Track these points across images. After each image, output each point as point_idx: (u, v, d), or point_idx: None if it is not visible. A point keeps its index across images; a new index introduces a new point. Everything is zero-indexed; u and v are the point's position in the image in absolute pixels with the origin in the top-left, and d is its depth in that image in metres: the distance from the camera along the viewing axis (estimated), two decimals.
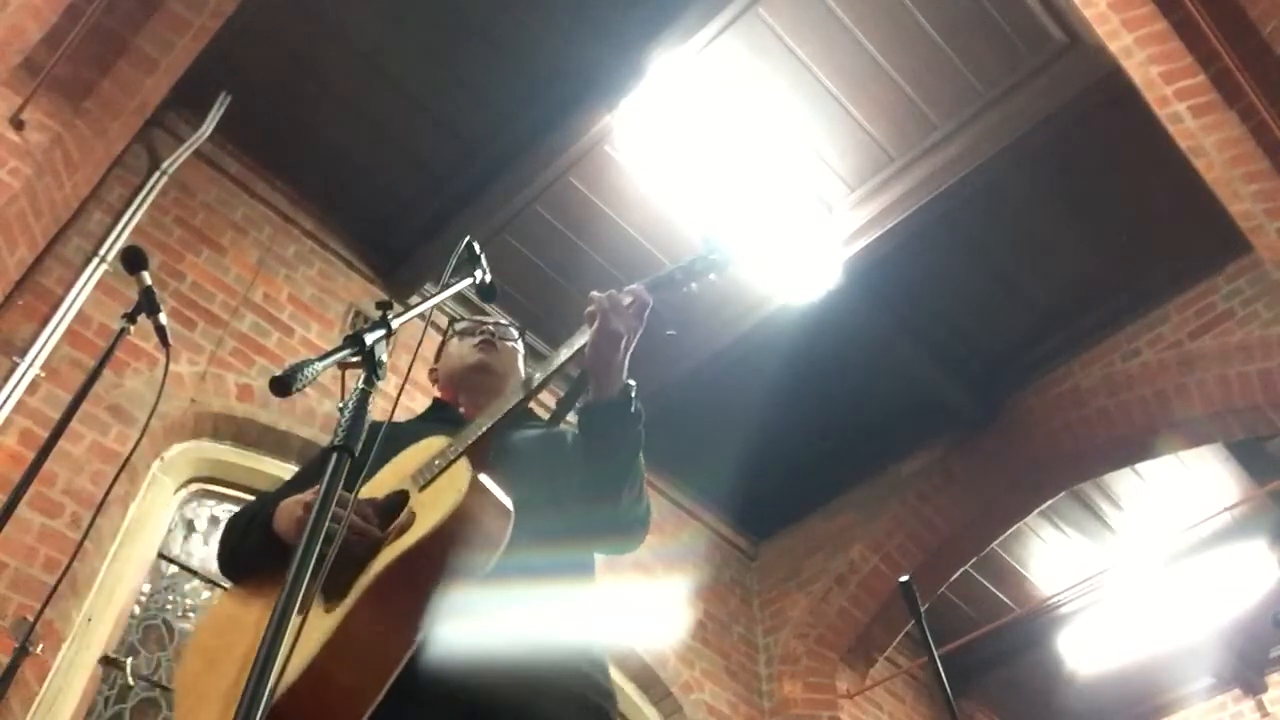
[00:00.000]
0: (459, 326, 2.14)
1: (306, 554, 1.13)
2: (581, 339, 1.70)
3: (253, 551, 1.68)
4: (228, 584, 1.80)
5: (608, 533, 1.76)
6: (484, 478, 1.53)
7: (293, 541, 1.58)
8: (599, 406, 1.68)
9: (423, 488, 1.57)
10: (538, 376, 1.70)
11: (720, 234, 1.86)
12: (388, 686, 1.37)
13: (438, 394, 2.12)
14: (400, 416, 1.76)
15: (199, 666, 1.61)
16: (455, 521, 1.45)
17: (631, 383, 1.69)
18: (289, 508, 1.63)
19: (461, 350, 2.07)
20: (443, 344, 2.18)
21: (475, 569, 1.46)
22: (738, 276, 4.94)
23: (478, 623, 1.48)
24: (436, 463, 1.59)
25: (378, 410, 1.36)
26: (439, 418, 1.98)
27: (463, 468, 1.53)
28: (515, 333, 2.14)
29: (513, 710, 1.45)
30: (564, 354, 1.71)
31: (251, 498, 2.45)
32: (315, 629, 1.43)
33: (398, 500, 1.59)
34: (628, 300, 1.70)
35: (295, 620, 1.52)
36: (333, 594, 1.47)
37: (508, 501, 1.53)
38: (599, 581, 1.85)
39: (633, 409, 1.67)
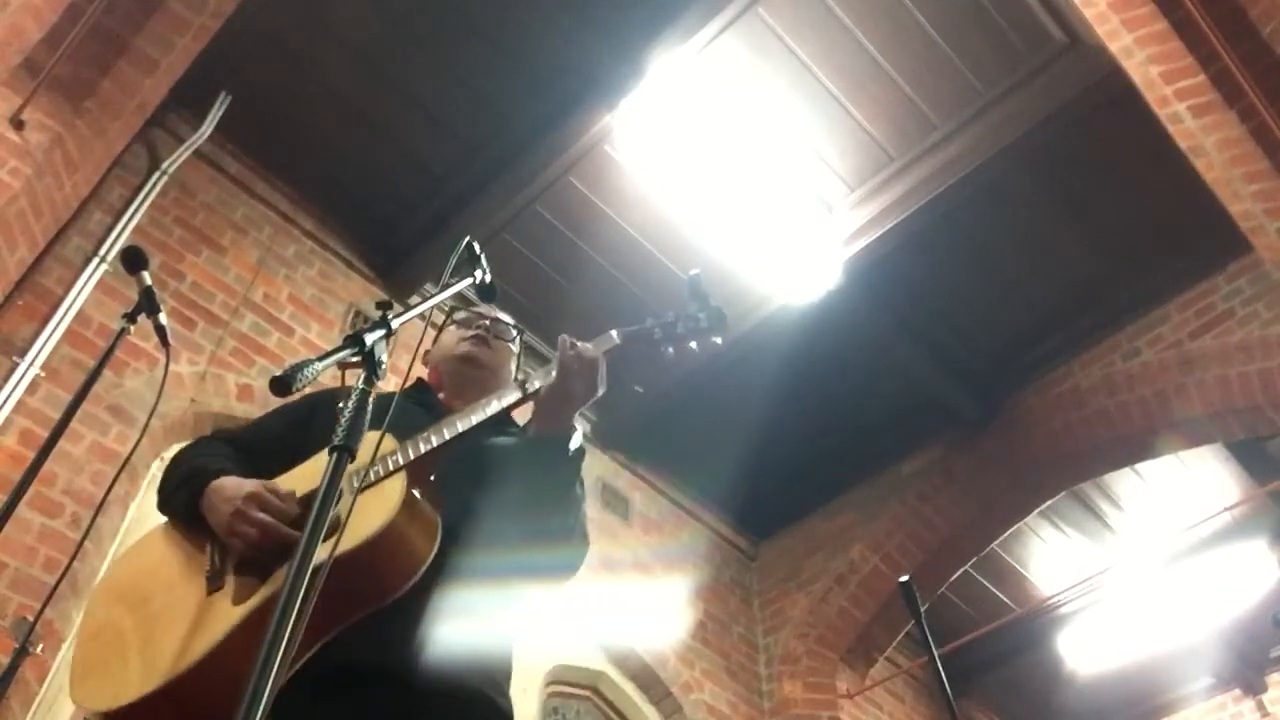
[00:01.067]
0: (458, 316, 2.14)
1: (305, 558, 1.12)
2: (533, 385, 1.71)
3: (179, 508, 1.69)
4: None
5: (537, 549, 1.74)
6: (416, 496, 1.52)
7: (217, 528, 1.58)
8: (536, 445, 1.71)
9: (360, 489, 1.55)
10: (494, 406, 1.69)
11: (709, 289, 1.83)
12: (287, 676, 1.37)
13: (424, 375, 2.12)
14: (387, 387, 1.76)
15: (118, 606, 1.61)
16: (378, 542, 1.44)
17: (575, 425, 1.71)
18: (225, 496, 1.59)
19: (454, 339, 2.07)
20: (441, 329, 2.18)
21: (395, 587, 1.47)
22: (737, 276, 4.94)
23: (396, 627, 1.50)
24: (377, 469, 1.56)
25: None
26: (418, 400, 1.98)
27: (398, 483, 1.52)
28: (514, 333, 2.14)
29: (413, 708, 1.48)
30: (513, 396, 1.71)
31: None
32: (221, 615, 1.45)
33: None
34: (593, 355, 1.71)
35: (210, 597, 1.51)
36: (249, 578, 1.49)
37: (435, 520, 1.53)
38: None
39: (570, 451, 1.69)
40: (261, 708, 1.00)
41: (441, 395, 2.02)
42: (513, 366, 2.10)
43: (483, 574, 1.66)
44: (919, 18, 4.23)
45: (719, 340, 1.80)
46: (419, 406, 1.90)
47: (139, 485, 3.80)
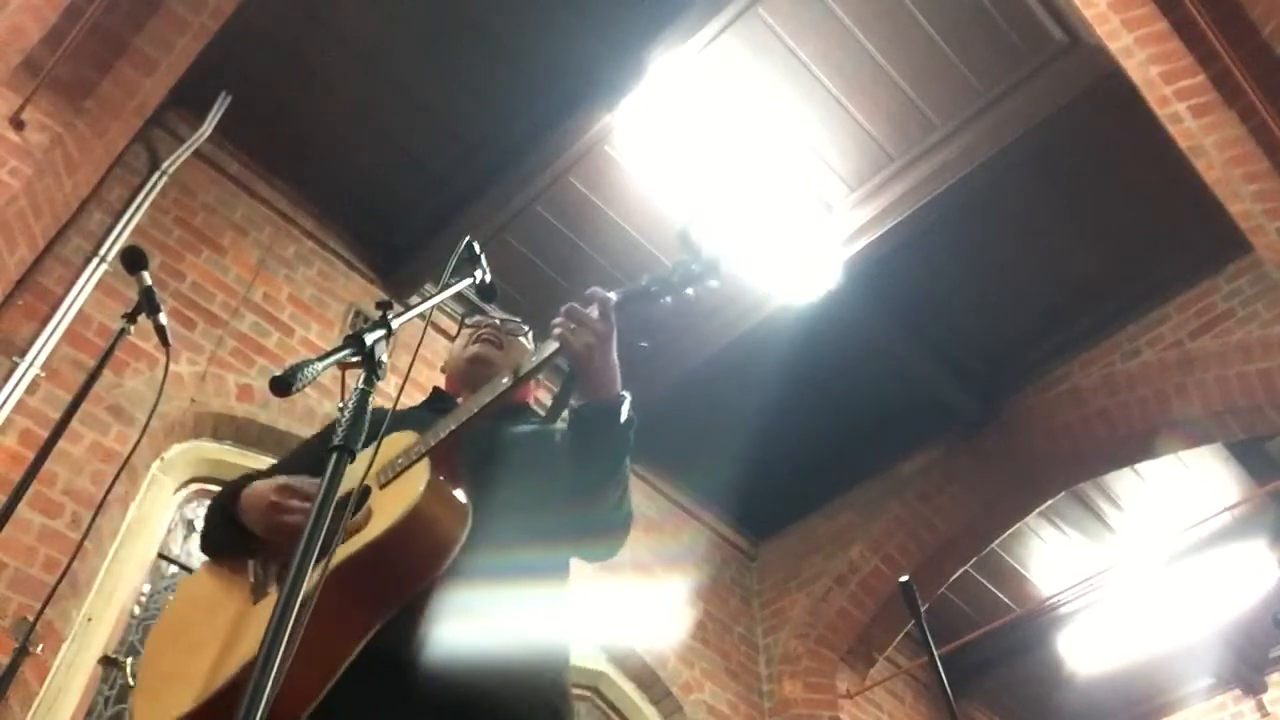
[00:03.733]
0: (469, 320, 2.15)
1: (306, 554, 1.12)
2: (548, 348, 1.70)
3: (221, 537, 1.71)
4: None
5: (587, 535, 1.74)
6: (442, 480, 1.52)
7: (257, 529, 1.60)
8: (587, 409, 1.68)
9: (384, 485, 1.56)
10: (505, 382, 1.68)
11: (701, 234, 1.79)
12: (336, 678, 1.38)
13: (441, 385, 2.13)
14: (405, 403, 1.76)
15: (164, 643, 1.65)
16: (407, 526, 1.44)
17: (624, 394, 1.68)
18: (258, 494, 1.62)
19: (464, 343, 2.08)
20: (455, 336, 2.19)
21: (429, 571, 1.47)
22: (737, 276, 4.94)
23: (443, 621, 1.49)
24: (399, 461, 1.58)
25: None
26: (437, 407, 1.98)
27: (422, 469, 1.52)
28: (525, 328, 2.14)
29: (467, 711, 1.46)
30: (531, 361, 1.71)
31: None
32: (262, 621, 1.44)
33: (360, 496, 1.59)
34: (589, 307, 1.70)
35: (251, 608, 1.53)
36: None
37: (464, 503, 1.53)
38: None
39: (623, 417, 1.66)
40: (261, 708, 1.00)
41: (460, 400, 2.02)
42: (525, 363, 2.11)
43: (524, 567, 1.65)
44: (919, 18, 4.23)
45: (716, 284, 1.76)
46: (439, 414, 1.90)
47: (139, 485, 3.80)
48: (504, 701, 1.49)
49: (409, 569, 1.46)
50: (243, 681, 1.38)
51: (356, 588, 1.41)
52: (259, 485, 1.64)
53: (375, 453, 1.51)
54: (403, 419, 1.75)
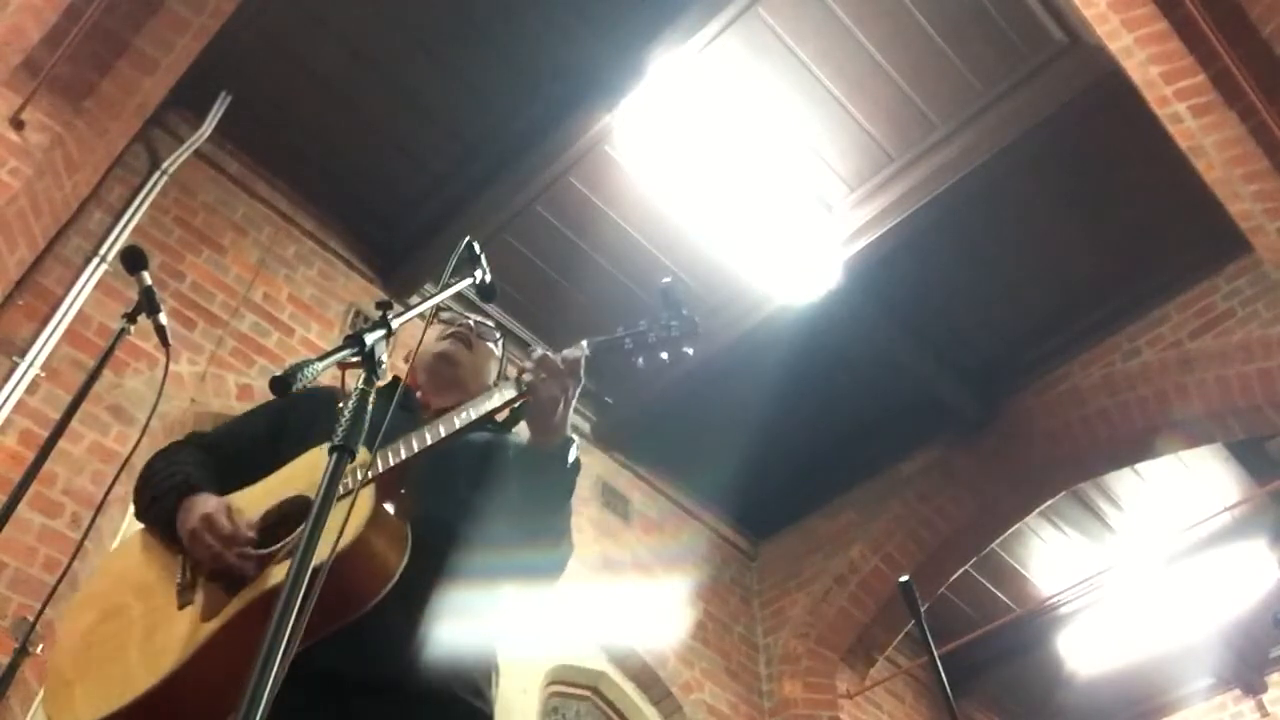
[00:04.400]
0: (443, 316, 2.13)
1: (304, 563, 1.12)
2: (510, 392, 1.71)
3: (157, 520, 1.69)
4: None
5: (521, 553, 1.75)
6: (387, 507, 1.51)
7: (182, 538, 1.58)
8: (534, 454, 1.72)
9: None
10: (458, 421, 1.66)
11: (682, 297, 1.82)
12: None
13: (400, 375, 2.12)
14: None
15: (84, 622, 1.62)
16: (347, 558, 1.41)
17: (572, 437, 1.74)
18: (192, 511, 1.59)
19: (435, 337, 2.07)
20: (425, 327, 2.17)
21: (365, 600, 1.46)
22: (737, 276, 4.94)
23: (373, 634, 1.49)
24: (345, 481, 1.53)
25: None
26: (401, 403, 1.97)
27: (366, 498, 1.50)
28: (497, 335, 2.14)
29: (394, 712, 1.49)
30: (487, 405, 1.70)
31: None
32: (189, 631, 1.46)
33: (297, 508, 1.57)
34: (562, 360, 1.71)
35: (174, 611, 1.52)
36: (218, 593, 1.49)
37: (405, 532, 1.52)
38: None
39: (567, 464, 1.71)
40: (261, 709, 1.00)
41: (419, 393, 2.01)
42: (493, 369, 2.10)
43: (468, 575, 1.66)
44: (919, 18, 4.23)
45: (690, 351, 1.81)
46: (400, 407, 1.89)
47: None
48: (451, 699, 1.55)
49: (344, 599, 1.43)
50: (176, 685, 1.40)
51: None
52: (195, 503, 1.60)
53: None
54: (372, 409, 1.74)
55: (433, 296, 1.68)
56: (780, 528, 6.19)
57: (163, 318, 2.58)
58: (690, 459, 5.66)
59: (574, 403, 1.74)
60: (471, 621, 1.69)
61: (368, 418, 1.29)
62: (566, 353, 1.73)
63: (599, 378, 1.69)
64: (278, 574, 1.46)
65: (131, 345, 3.65)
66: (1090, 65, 4.17)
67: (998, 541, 5.85)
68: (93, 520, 2.77)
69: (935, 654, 2.75)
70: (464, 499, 1.72)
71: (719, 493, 5.95)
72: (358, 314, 4.78)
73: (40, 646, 3.00)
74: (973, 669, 6.65)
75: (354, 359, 1.36)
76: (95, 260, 3.89)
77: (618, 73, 4.30)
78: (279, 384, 1.25)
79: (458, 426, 1.65)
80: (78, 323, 3.73)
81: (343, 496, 1.52)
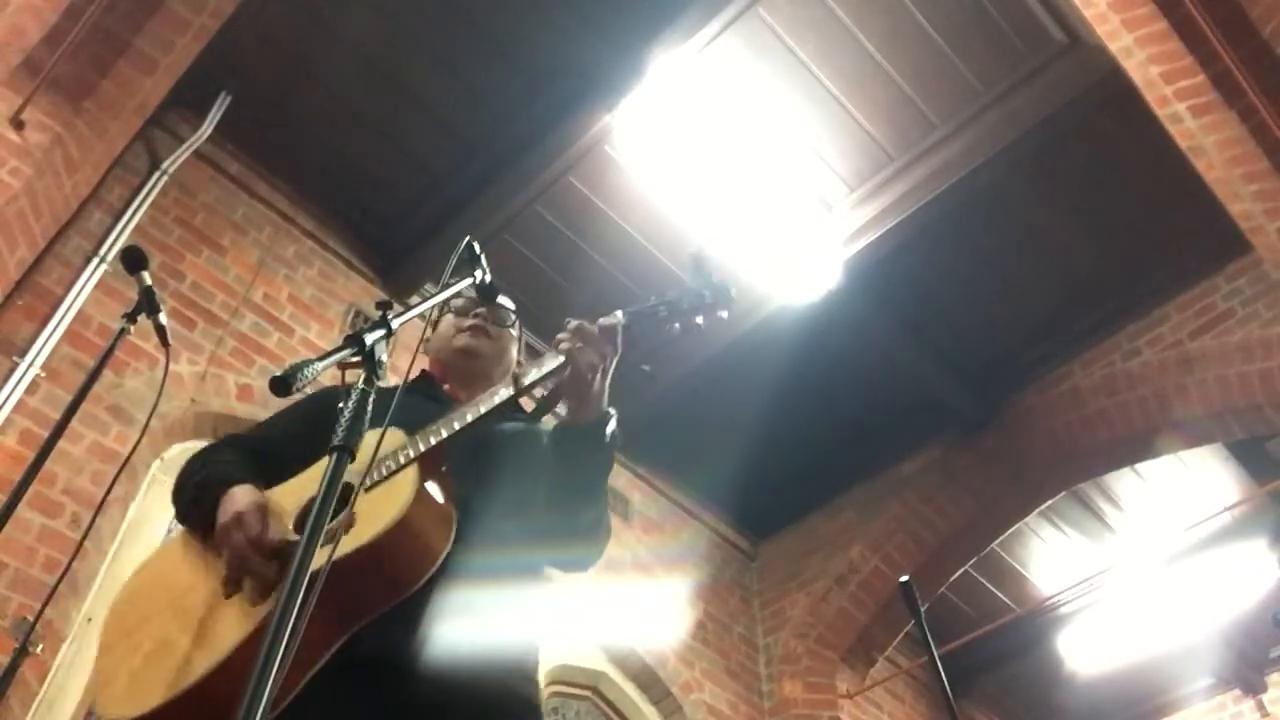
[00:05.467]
0: (455, 304, 2.10)
1: (303, 564, 1.12)
2: (552, 362, 1.69)
3: (198, 521, 1.68)
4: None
5: (562, 545, 1.76)
6: (430, 488, 1.51)
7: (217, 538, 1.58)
8: (573, 430, 1.69)
9: (369, 487, 1.54)
10: (502, 393, 1.66)
11: (712, 265, 1.81)
12: (309, 677, 1.37)
13: (426, 366, 2.09)
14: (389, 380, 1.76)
15: (131, 620, 1.62)
16: (392, 536, 1.43)
17: (610, 411, 1.69)
18: (226, 508, 1.58)
19: (451, 329, 2.05)
20: (439, 318, 2.15)
21: (412, 580, 1.46)
22: (737, 276, 4.94)
23: (420, 620, 1.49)
24: (387, 464, 1.56)
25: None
26: (424, 392, 1.95)
27: (410, 477, 1.51)
28: (512, 317, 2.11)
29: (438, 710, 1.47)
30: (534, 374, 1.69)
31: None
32: (236, 620, 1.46)
33: (342, 494, 1.58)
34: (599, 328, 1.69)
35: (222, 601, 1.52)
36: (267, 582, 1.49)
37: (450, 514, 1.52)
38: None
39: (606, 437, 1.67)
40: (261, 709, 1.00)
41: (446, 386, 2.00)
42: (514, 352, 2.09)
43: (506, 568, 1.65)
44: (919, 18, 4.23)
45: (724, 314, 1.79)
46: (428, 400, 1.88)
47: (139, 485, 3.80)
48: (481, 700, 1.52)
49: (387, 583, 1.45)
50: (213, 683, 1.40)
51: (336, 593, 1.36)
52: (235, 497, 1.59)
53: (376, 450, 1.48)
54: (384, 403, 1.74)
55: (433, 296, 1.68)
56: (780, 528, 6.19)
57: (163, 318, 2.58)
58: (690, 459, 5.66)
59: (610, 373, 1.70)
60: (517, 610, 1.68)
61: (368, 417, 1.29)
62: (603, 320, 1.70)
63: (634, 348, 1.66)
64: (321, 557, 1.46)
65: (131, 345, 3.65)
66: (1090, 65, 4.17)
67: (998, 541, 5.85)
68: (93, 520, 2.77)
69: (935, 654, 2.75)
70: (501, 488, 1.70)
71: (719, 493, 5.95)
72: (358, 314, 4.79)
73: (40, 646, 3.00)
74: (973, 669, 6.65)
75: (354, 359, 1.36)
76: (95, 260, 3.89)
77: (618, 73, 4.30)
78: (279, 384, 1.24)
79: (497, 403, 1.65)
80: (78, 323, 3.73)
81: (386, 478, 1.54)
